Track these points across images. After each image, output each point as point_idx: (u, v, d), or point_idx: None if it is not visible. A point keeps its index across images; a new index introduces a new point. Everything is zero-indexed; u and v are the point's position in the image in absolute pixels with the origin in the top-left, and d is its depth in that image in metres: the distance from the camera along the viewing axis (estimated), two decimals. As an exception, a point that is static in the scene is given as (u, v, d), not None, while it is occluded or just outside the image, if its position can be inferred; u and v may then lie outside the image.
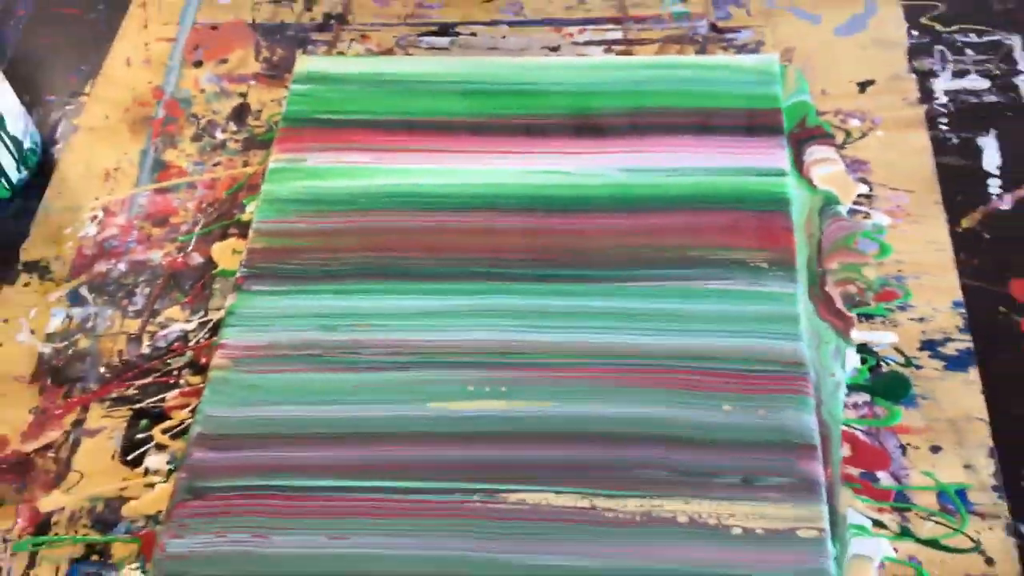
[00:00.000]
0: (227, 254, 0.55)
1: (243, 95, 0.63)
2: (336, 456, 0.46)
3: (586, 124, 0.58)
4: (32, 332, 0.53)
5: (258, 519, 0.45)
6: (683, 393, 0.47)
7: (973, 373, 0.48)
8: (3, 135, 0.57)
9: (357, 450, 0.46)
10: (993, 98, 0.59)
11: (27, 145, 0.60)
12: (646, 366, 0.48)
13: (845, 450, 0.46)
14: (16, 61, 0.61)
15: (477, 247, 0.53)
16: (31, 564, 0.45)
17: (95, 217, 0.58)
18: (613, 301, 0.50)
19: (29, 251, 0.56)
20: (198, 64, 0.65)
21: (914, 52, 0.61)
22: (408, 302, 0.51)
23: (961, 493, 0.45)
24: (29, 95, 0.63)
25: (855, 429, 0.47)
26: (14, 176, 0.59)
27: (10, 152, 0.58)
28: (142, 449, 0.49)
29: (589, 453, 0.46)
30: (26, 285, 0.55)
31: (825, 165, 0.56)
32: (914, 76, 0.60)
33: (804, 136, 0.57)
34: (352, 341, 0.50)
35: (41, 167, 0.61)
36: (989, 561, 0.43)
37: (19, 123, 0.59)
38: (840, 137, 0.57)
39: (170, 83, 0.64)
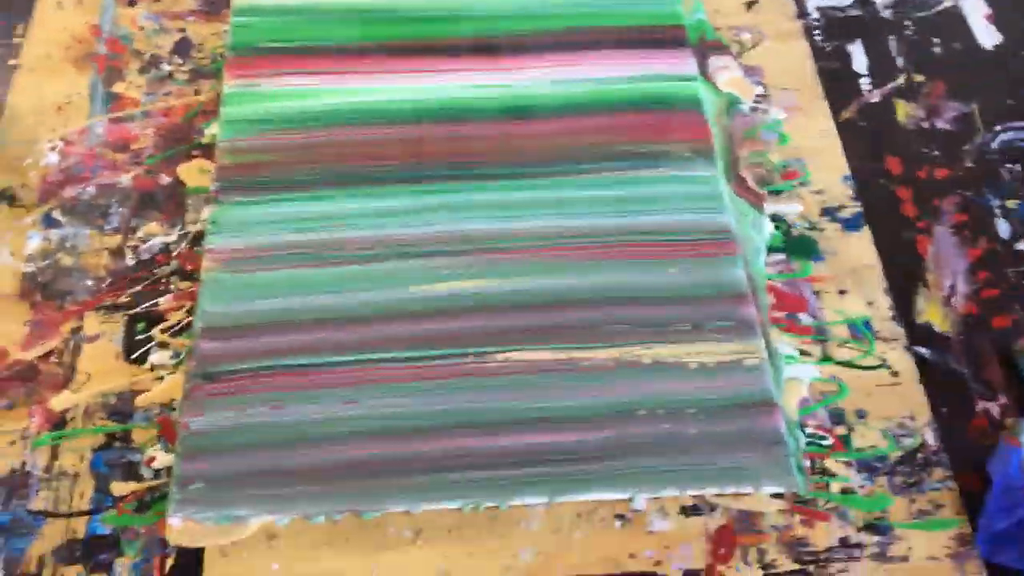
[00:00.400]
0: (194, 173, 0.59)
1: (182, 31, 0.66)
2: (335, 336, 0.51)
3: (516, 43, 0.64)
4: (12, 254, 0.55)
5: (272, 394, 0.49)
6: (634, 262, 0.54)
7: (865, 231, 0.57)
8: (-49, 71, 0.58)
9: (353, 330, 0.51)
10: (856, 12, 0.69)
11: (-28, 83, 0.61)
12: (601, 243, 0.55)
13: (770, 298, 0.55)
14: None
15: (434, 152, 0.59)
16: (54, 457, 0.48)
17: (54, 147, 0.59)
18: (565, 191, 0.57)
19: (-8, 181, 0.58)
20: (132, 3, 0.67)
21: (788, -25, 0.71)
22: (375, 203, 0.56)
23: (866, 324, 0.54)
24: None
25: (777, 282, 0.55)
26: (-38, 113, 0.60)
27: (-42, 89, 0.59)
28: (144, 349, 0.52)
29: (562, 316, 0.52)
30: (-5, 212, 0.57)
31: (726, 72, 0.64)
32: (790, -5, 0.69)
33: (704, 49, 0.66)
34: (328, 240, 0.55)
35: (-16, 106, 0.62)
36: (895, 374, 0.52)
37: (-37, 61, 0.60)
38: (735, 48, 0.66)
39: (107, 22, 0.66)
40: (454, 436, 0.48)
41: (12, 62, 0.64)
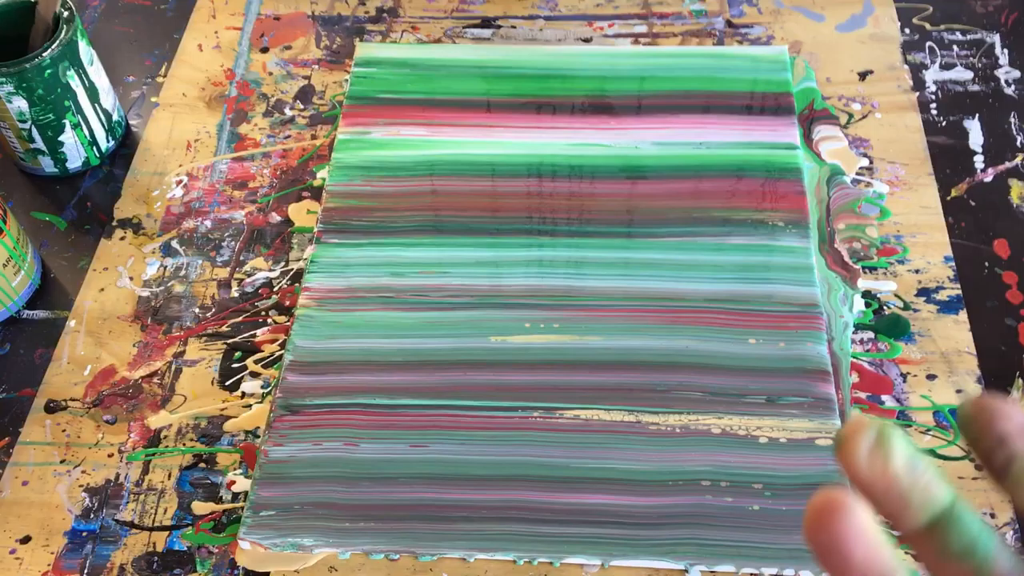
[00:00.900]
0: (302, 214, 0.62)
1: (307, 77, 0.70)
2: (412, 380, 0.53)
3: (604, 104, 0.65)
4: (131, 279, 0.59)
5: (348, 431, 0.51)
6: (714, 329, 0.54)
7: (962, 315, 0.56)
8: (97, 108, 0.64)
9: (429, 375, 0.53)
10: (976, 88, 0.67)
11: (115, 118, 0.66)
12: (679, 307, 0.55)
13: (854, 377, 0.53)
14: (95, 47, 0.67)
15: (527, 208, 0.60)
16: (145, 472, 0.52)
17: (180, 181, 0.64)
18: (652, 253, 0.58)
19: (122, 209, 0.63)
20: (264, 50, 0.72)
21: (907, 47, 0.69)
22: (467, 253, 0.58)
23: (953, 412, 0.52)
24: (109, 76, 0.70)
25: (862, 361, 0.54)
26: (104, 145, 0.65)
27: (102, 123, 0.65)
28: (237, 377, 0.55)
29: (634, 378, 0.53)
30: (122, 239, 0.61)
31: (831, 142, 0.64)
32: (907, 67, 0.68)
33: (812, 117, 0.65)
34: (419, 285, 0.57)
35: (123, 138, 0.67)
36: (979, 467, 0.50)
37: (108, 98, 0.66)
38: (843, 119, 0.65)
39: (240, 66, 0.71)
40: (515, 488, 0.49)
41: (154, 99, 0.69)
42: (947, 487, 0.22)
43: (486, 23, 0.73)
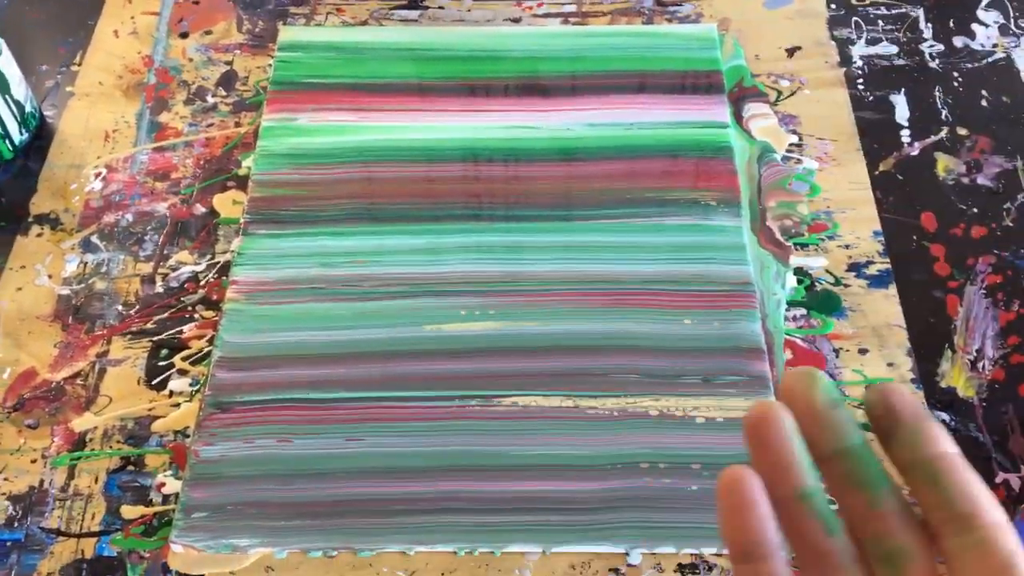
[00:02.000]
0: (227, 204, 0.60)
1: (229, 63, 0.68)
2: (346, 372, 0.52)
3: (537, 85, 0.65)
4: (49, 277, 0.57)
5: (281, 427, 0.50)
6: (649, 311, 0.54)
7: (892, 289, 0.56)
8: (7, 99, 0.61)
9: (365, 367, 0.52)
10: (902, 62, 0.68)
11: (27, 109, 0.64)
12: (614, 289, 0.55)
13: (787, 354, 0.54)
14: (5, 35, 0.65)
15: (459, 192, 0.60)
16: (71, 476, 0.50)
17: (99, 174, 0.62)
18: (585, 236, 0.57)
19: (38, 204, 0.61)
20: (184, 35, 0.70)
21: (833, 22, 0.70)
22: (399, 241, 0.57)
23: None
24: (21, 65, 0.67)
25: (795, 337, 0.54)
26: (16, 138, 0.63)
27: (13, 115, 0.62)
28: (164, 375, 0.53)
29: (571, 363, 0.52)
30: (39, 235, 0.59)
31: (761, 119, 0.64)
32: (834, 43, 0.68)
33: (741, 95, 0.65)
34: (351, 275, 0.56)
35: (38, 130, 0.65)
36: (910, 439, 0.51)
37: (20, 88, 0.63)
38: (772, 95, 0.65)
39: (158, 53, 0.69)
40: (453, 479, 0.48)
41: (68, 89, 0.67)
42: (861, 433, 0.25)
43: (413, 4, 0.71)
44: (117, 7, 0.72)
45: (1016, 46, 0.68)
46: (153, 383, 0.53)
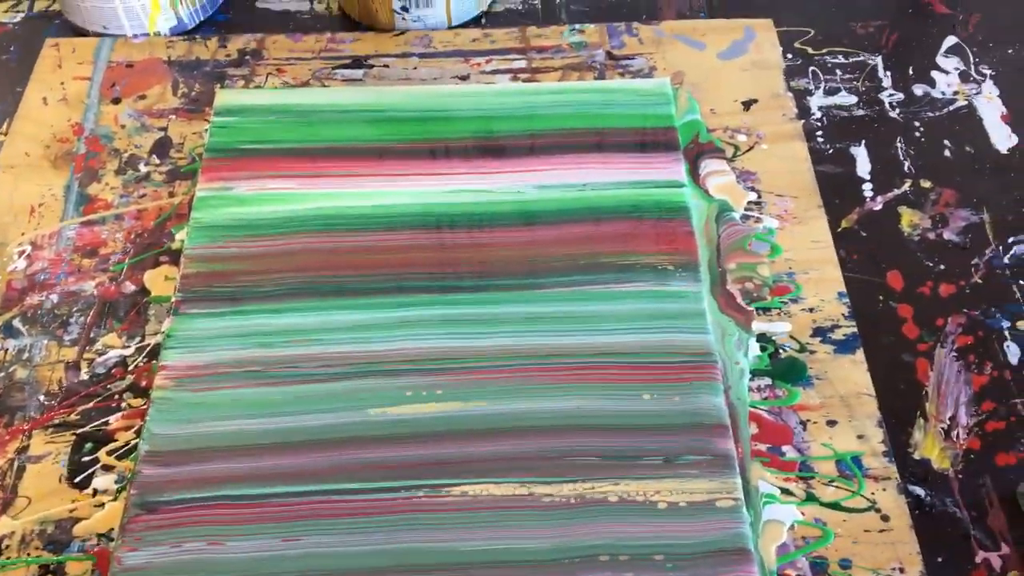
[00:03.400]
0: (159, 281, 0.57)
1: (164, 129, 0.65)
2: (283, 464, 0.49)
3: (493, 146, 0.62)
4: (-34, 366, 0.54)
5: (212, 528, 0.46)
6: (605, 386, 0.51)
7: (859, 354, 0.54)
8: (-76, 174, 0.58)
9: (303, 457, 0.49)
10: (861, 112, 0.66)
11: (-53, 184, 0.60)
12: (569, 364, 0.52)
13: (752, 428, 0.51)
14: (-72, 102, 0.62)
15: (402, 263, 0.57)
16: (-17, 589, 0.46)
17: (23, 252, 0.58)
18: (533, 307, 0.54)
19: (-43, 287, 0.57)
20: (116, 101, 0.67)
21: (790, 73, 0.68)
22: (341, 316, 0.54)
23: (856, 460, 0.50)
24: (-56, 135, 0.64)
25: (760, 410, 0.52)
26: (-65, 215, 0.59)
27: (-69, 191, 0.59)
28: (89, 471, 0.50)
29: (523, 445, 0.49)
30: (-44, 320, 0.55)
31: (718, 176, 0.61)
32: (791, 94, 0.66)
33: (697, 151, 0.63)
34: (290, 356, 0.53)
35: (-39, 206, 0.61)
36: (884, 518, 0.48)
37: (-61, 162, 0.59)
38: (729, 151, 0.63)
39: (89, 120, 0.65)
40: (398, 581, 0.45)
41: (-7, 160, 0.63)
42: None
43: (357, 63, 0.69)
44: (46, 72, 0.68)
45: (978, 93, 0.67)
46: (76, 481, 0.49)
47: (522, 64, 0.69)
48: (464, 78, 0.68)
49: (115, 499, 0.49)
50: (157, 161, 0.63)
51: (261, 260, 0.57)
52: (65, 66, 0.69)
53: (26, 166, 0.63)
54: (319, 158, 0.61)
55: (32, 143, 0.64)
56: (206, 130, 0.64)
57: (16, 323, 0.55)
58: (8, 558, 0.47)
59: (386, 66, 0.69)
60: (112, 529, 0.48)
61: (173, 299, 0.55)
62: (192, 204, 0.59)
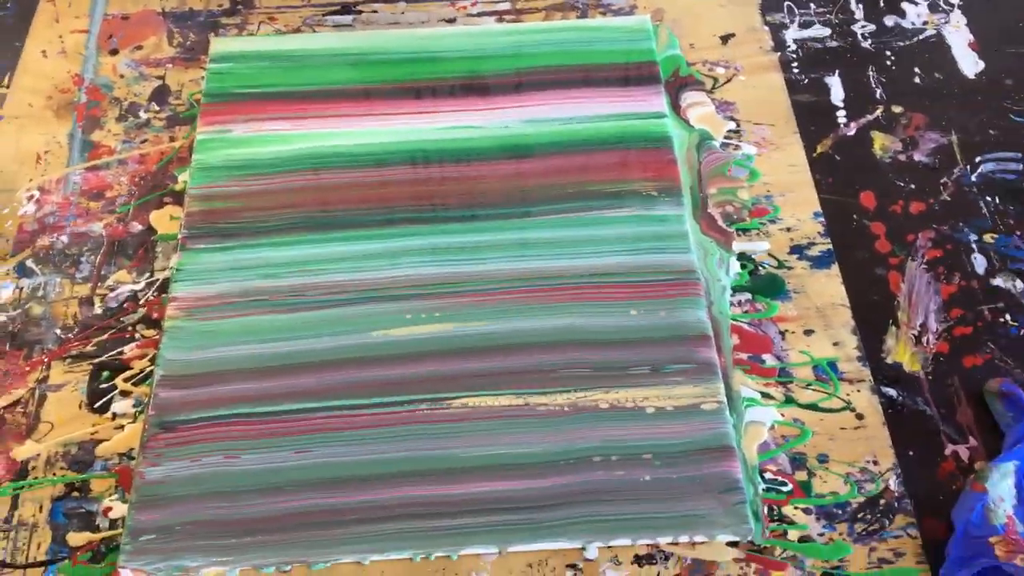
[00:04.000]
0: (165, 220, 0.59)
1: (161, 77, 0.67)
2: (292, 384, 0.51)
3: (479, 84, 0.64)
4: (-16, 304, 0.56)
5: (227, 443, 0.49)
6: (595, 304, 0.54)
7: (834, 269, 0.57)
8: (-68, 125, 0.60)
9: (311, 377, 0.52)
10: (835, 43, 0.68)
11: (-46, 134, 0.62)
12: (560, 284, 0.55)
13: (734, 339, 0.54)
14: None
15: (398, 196, 0.59)
16: (14, 507, 0.49)
17: (31, 196, 0.61)
18: (526, 233, 0.57)
19: (-30, 232, 0.59)
20: (114, 52, 0.69)
21: (766, 7, 0.70)
22: (342, 247, 0.57)
23: (832, 365, 0.53)
24: (-53, 90, 0.66)
25: (741, 322, 0.55)
26: (-56, 164, 0.61)
27: (-60, 141, 0.61)
28: (107, 397, 0.52)
29: (519, 361, 0.52)
30: (-29, 263, 0.58)
31: (698, 107, 0.64)
32: (767, 28, 0.69)
33: (678, 84, 0.65)
34: (294, 285, 0.55)
35: (-32, 156, 0.63)
36: (859, 416, 0.51)
37: (-55, 113, 0.61)
38: (709, 83, 0.65)
39: (88, 71, 0.67)
40: (404, 485, 0.48)
41: (-3, 112, 0.65)
42: None
43: (346, 9, 0.71)
44: (44, 27, 0.70)
45: (946, 22, 0.69)
46: (95, 406, 0.52)
47: (507, 6, 0.71)
48: (451, 21, 0.70)
49: (133, 421, 0.51)
50: (156, 108, 0.65)
51: (261, 197, 0.59)
52: (62, 20, 0.71)
53: (30, 116, 0.65)
54: (310, 100, 0.64)
55: (34, 94, 0.66)
56: (202, 77, 0.66)
57: (29, 263, 0.58)
58: (35, 477, 0.50)
59: (374, 11, 0.71)
60: (132, 449, 0.50)
61: (179, 236, 0.57)
62: (192, 147, 0.62)
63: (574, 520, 0.47)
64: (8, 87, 0.67)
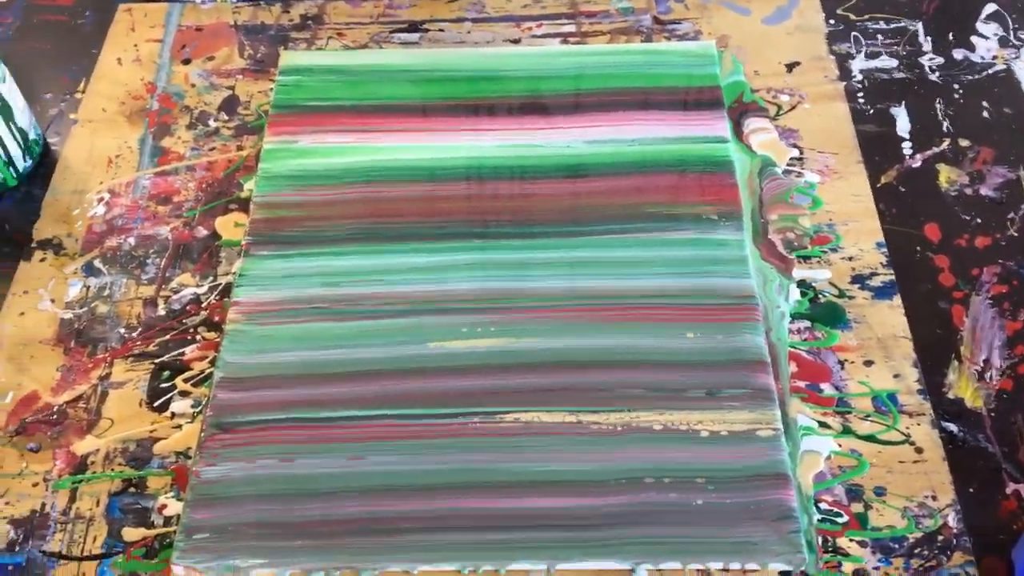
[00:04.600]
0: (229, 227, 0.61)
1: (231, 88, 0.69)
2: (349, 391, 0.52)
3: (538, 103, 0.65)
4: (52, 301, 0.57)
5: (283, 447, 0.50)
6: (653, 325, 0.54)
7: (896, 300, 0.56)
8: (12, 127, 0.62)
9: (367, 385, 0.52)
10: (902, 75, 0.68)
11: (31, 136, 0.64)
12: (616, 304, 0.55)
13: (792, 367, 0.53)
14: (8, 64, 0.65)
15: (460, 211, 0.60)
16: (72, 499, 0.50)
17: (102, 199, 0.62)
18: (587, 252, 0.57)
19: (41, 230, 0.61)
20: (186, 62, 0.70)
21: (832, 37, 0.70)
22: (401, 259, 0.57)
23: (892, 397, 0.52)
24: (25, 93, 0.67)
25: (799, 350, 0.54)
26: (21, 165, 0.63)
27: (17, 143, 0.63)
28: (166, 397, 0.53)
29: (573, 378, 0.52)
30: (42, 260, 0.59)
31: (761, 134, 0.64)
32: (833, 57, 0.68)
33: (741, 110, 0.65)
34: (353, 295, 0.56)
35: (42, 157, 0.65)
36: (918, 450, 0.50)
37: (24, 116, 0.63)
38: (772, 110, 0.65)
39: (161, 79, 0.69)
40: (455, 497, 0.48)
41: (72, 116, 0.67)
42: None
43: (413, 27, 0.72)
44: (121, 35, 0.72)
45: (1016, 57, 0.68)
46: (155, 405, 0.53)
47: (571, 28, 0.71)
48: (516, 42, 0.70)
49: (191, 421, 0.52)
50: (225, 117, 0.67)
51: (324, 207, 0.60)
52: (138, 29, 0.73)
53: (103, 121, 0.67)
54: (373, 115, 0.65)
55: (108, 100, 0.68)
56: (271, 89, 0.67)
57: (97, 263, 0.59)
58: (94, 472, 0.51)
59: (441, 30, 0.72)
60: (189, 448, 0.51)
61: (243, 242, 0.58)
62: (259, 156, 0.63)
63: (624, 540, 0.47)
64: (84, 92, 0.69)
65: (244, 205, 0.61)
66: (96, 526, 0.49)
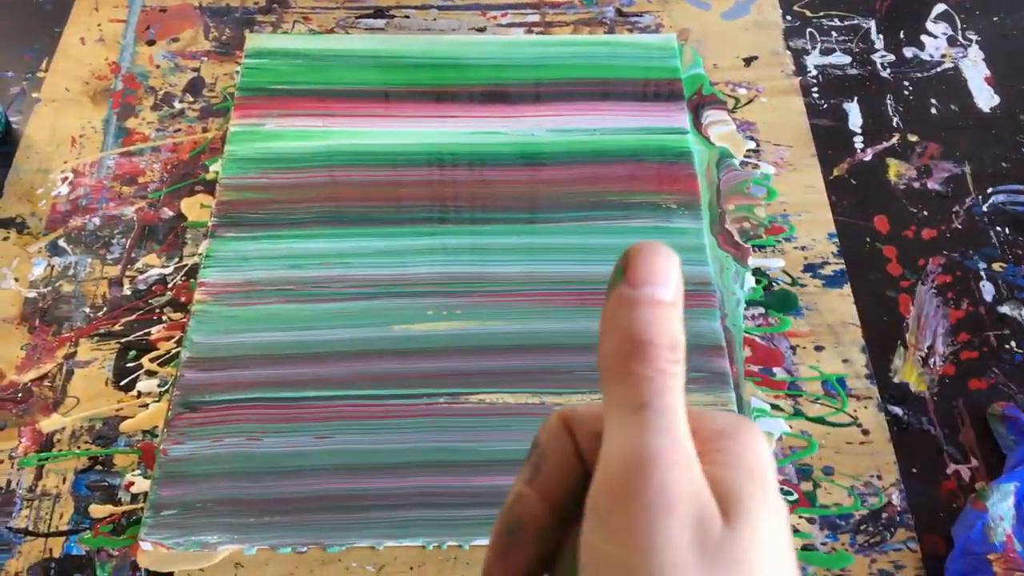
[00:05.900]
0: (195, 208, 0.61)
1: (196, 70, 0.69)
2: (314, 372, 0.53)
3: (500, 92, 0.66)
4: (16, 280, 0.57)
5: (249, 426, 0.51)
6: (612, 310, 0.55)
7: (847, 288, 0.58)
8: (-27, 103, 0.61)
9: (332, 366, 0.53)
10: (854, 71, 0.70)
11: (-7, 114, 0.64)
12: (580, 289, 0.56)
13: (747, 351, 0.55)
14: (-30, 40, 0.65)
15: (422, 196, 0.60)
16: (38, 477, 0.50)
17: (66, 178, 0.62)
18: (551, 238, 0.58)
19: (4, 209, 0.61)
20: (151, 43, 0.70)
21: (789, 33, 0.72)
22: (367, 243, 0.58)
23: (841, 381, 0.54)
24: (-14, 71, 0.67)
25: (754, 335, 0.56)
26: (-18, 143, 0.63)
27: (-21, 120, 0.62)
28: (132, 376, 0.54)
29: (536, 361, 0.53)
30: (5, 239, 0.59)
31: (719, 126, 0.66)
32: (789, 53, 0.70)
33: (700, 102, 0.67)
34: (319, 277, 0.57)
35: (4, 135, 0.65)
36: (865, 432, 0.52)
37: (-14, 93, 0.63)
38: (731, 103, 0.67)
39: (125, 59, 0.69)
40: (420, 475, 0.49)
41: (35, 95, 0.67)
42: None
43: (379, 13, 0.73)
44: (83, 15, 0.72)
45: (964, 56, 0.71)
46: (121, 384, 0.53)
47: (536, 18, 0.72)
48: (481, 30, 0.71)
49: (158, 400, 0.53)
50: (191, 99, 0.67)
51: (290, 190, 0.61)
52: (101, 9, 0.72)
53: (66, 100, 0.67)
54: (338, 99, 0.65)
55: (72, 79, 0.68)
56: (237, 71, 0.68)
57: (61, 242, 0.59)
58: (60, 450, 0.51)
59: (407, 16, 0.72)
60: (156, 427, 0.52)
61: (209, 223, 0.59)
62: (225, 138, 0.63)
63: (584, 517, 0.48)
64: (47, 71, 0.68)
65: (209, 187, 0.62)
66: (63, 503, 0.49)
